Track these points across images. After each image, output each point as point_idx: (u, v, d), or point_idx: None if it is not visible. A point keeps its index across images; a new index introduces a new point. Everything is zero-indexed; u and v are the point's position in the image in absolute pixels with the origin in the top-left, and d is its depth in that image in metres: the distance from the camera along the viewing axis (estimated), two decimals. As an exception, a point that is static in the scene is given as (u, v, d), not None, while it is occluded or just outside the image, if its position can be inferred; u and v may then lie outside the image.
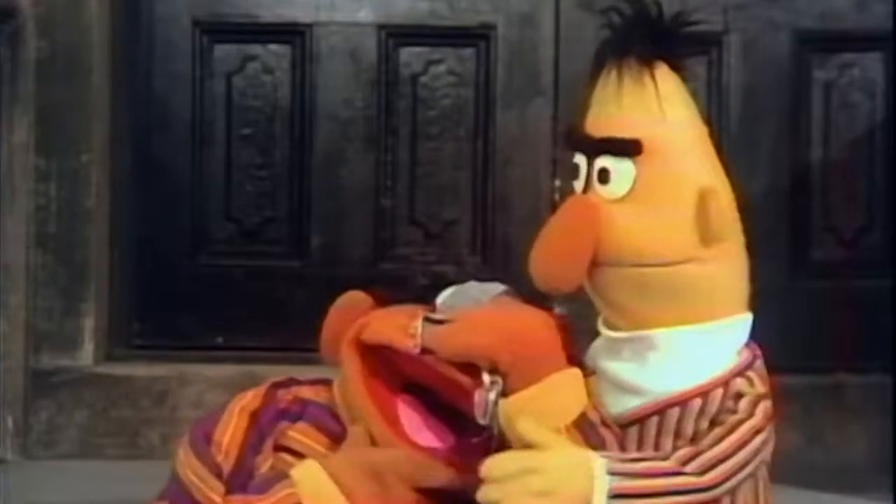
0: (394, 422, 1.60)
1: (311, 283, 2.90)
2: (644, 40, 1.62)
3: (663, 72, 1.64)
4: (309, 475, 1.57)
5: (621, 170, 1.60)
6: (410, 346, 1.58)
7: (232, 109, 2.93)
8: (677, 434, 1.58)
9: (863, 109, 2.91)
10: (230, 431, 1.66)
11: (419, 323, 1.59)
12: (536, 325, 1.58)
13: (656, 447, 1.59)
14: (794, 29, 2.90)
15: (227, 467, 1.64)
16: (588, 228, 1.60)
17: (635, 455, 1.57)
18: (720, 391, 1.60)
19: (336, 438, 1.63)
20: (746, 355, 1.66)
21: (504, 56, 2.91)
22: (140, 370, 2.78)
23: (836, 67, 2.91)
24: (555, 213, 1.63)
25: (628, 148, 1.61)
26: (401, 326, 1.60)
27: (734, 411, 1.59)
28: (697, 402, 1.60)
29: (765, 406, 1.61)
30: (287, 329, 2.88)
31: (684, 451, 1.55)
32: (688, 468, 1.54)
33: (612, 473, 1.50)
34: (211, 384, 2.75)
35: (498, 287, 1.67)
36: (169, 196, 2.92)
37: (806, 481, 2.48)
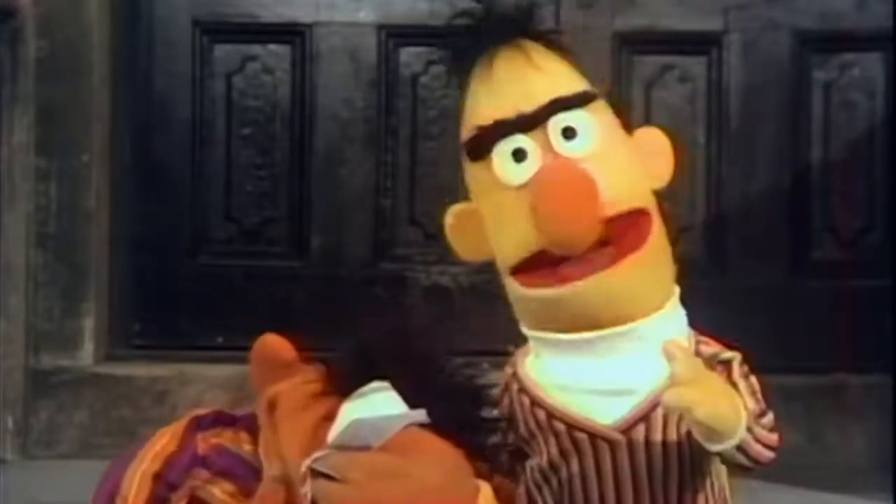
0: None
1: (311, 283, 2.90)
2: (514, 22, 1.62)
3: (538, 47, 1.63)
4: None
5: (585, 123, 1.57)
6: (301, 492, 1.49)
7: (232, 109, 2.93)
8: (682, 417, 1.52)
9: (863, 109, 2.91)
10: (136, 484, 1.61)
11: (306, 469, 1.48)
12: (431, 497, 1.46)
13: (664, 440, 1.56)
14: (794, 29, 2.90)
15: None
16: (590, 180, 1.55)
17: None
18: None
19: (253, 494, 1.57)
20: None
21: (504, 56, 2.90)
22: (140, 370, 2.78)
23: (836, 67, 2.91)
24: (545, 183, 1.56)
25: (583, 98, 1.59)
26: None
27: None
28: None
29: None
30: (287, 329, 2.87)
31: (753, 408, 1.53)
32: (762, 422, 1.53)
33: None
34: (211, 384, 2.75)
35: (405, 419, 1.53)
36: (169, 196, 2.92)
37: (806, 481, 2.48)
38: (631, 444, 1.56)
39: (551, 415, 1.59)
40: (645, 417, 1.56)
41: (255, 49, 2.93)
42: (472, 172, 1.64)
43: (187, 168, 2.92)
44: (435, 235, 2.89)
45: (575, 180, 1.55)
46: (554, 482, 1.61)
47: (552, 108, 1.58)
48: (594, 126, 1.59)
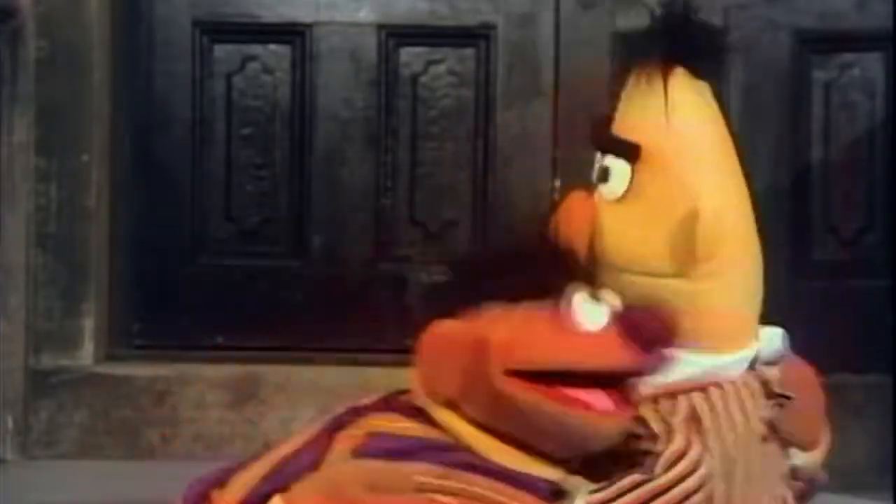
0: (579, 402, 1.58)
1: (311, 283, 2.90)
2: (666, 45, 1.62)
3: (680, 79, 1.62)
4: None
5: (618, 170, 1.61)
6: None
7: (232, 109, 2.93)
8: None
9: (863, 109, 2.91)
10: (242, 480, 1.61)
11: None
12: None
13: None
14: (794, 29, 2.90)
15: None
16: (572, 210, 1.62)
17: None
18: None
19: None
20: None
21: (504, 56, 2.91)
22: (140, 370, 2.78)
23: (836, 67, 2.91)
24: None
25: (627, 150, 1.60)
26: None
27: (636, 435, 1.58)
28: None
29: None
30: (287, 329, 2.88)
31: None
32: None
33: None
34: (211, 384, 2.75)
35: None
36: (169, 196, 2.92)
37: (806, 481, 2.48)
38: None
39: None
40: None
41: (255, 49, 2.93)
42: None
43: (187, 168, 2.92)
44: (435, 235, 2.90)
45: (574, 210, 1.64)
46: None
47: (605, 145, 1.65)
48: (627, 179, 1.61)
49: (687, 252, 1.59)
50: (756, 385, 1.64)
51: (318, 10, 2.92)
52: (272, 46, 2.93)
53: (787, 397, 1.66)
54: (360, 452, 1.59)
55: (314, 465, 1.60)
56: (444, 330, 1.62)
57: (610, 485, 1.53)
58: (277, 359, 2.81)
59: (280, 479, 1.60)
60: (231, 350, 2.86)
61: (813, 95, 2.91)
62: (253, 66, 2.93)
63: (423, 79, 2.93)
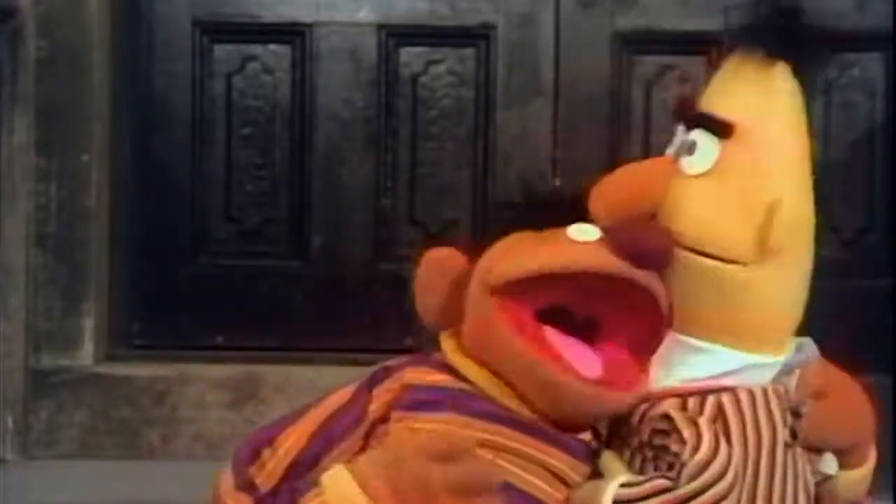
0: (558, 357, 1.56)
1: (311, 283, 2.90)
2: (772, 38, 1.63)
3: (783, 73, 1.64)
4: (335, 480, 1.52)
5: (707, 146, 1.61)
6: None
7: (232, 109, 2.93)
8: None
9: (863, 109, 2.91)
10: (292, 439, 1.62)
11: None
12: None
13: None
14: (794, 29, 2.90)
15: (270, 479, 1.62)
16: (658, 170, 1.61)
17: None
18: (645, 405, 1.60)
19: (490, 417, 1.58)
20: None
21: (504, 56, 2.91)
22: (140, 370, 2.78)
23: (836, 67, 2.91)
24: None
25: (720, 128, 1.61)
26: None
27: (661, 430, 1.57)
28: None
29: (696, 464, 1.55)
30: (287, 329, 2.88)
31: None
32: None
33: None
34: (211, 384, 2.75)
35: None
36: (169, 196, 2.92)
37: (806, 481, 2.47)
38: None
39: None
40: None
41: (255, 49, 2.93)
42: None
43: (187, 168, 2.92)
44: (435, 235, 2.90)
45: (644, 166, 1.64)
46: None
47: (697, 120, 1.64)
48: (714, 156, 1.62)
49: (760, 240, 1.59)
50: (781, 391, 1.64)
51: (318, 10, 2.92)
52: (272, 46, 2.93)
53: (800, 408, 1.66)
54: (396, 404, 1.59)
55: (359, 421, 1.62)
56: (438, 254, 1.66)
57: (639, 483, 1.52)
58: (277, 359, 2.81)
59: (328, 437, 1.61)
60: (231, 350, 2.86)
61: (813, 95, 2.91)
62: (253, 66, 2.93)
63: (423, 79, 2.93)
